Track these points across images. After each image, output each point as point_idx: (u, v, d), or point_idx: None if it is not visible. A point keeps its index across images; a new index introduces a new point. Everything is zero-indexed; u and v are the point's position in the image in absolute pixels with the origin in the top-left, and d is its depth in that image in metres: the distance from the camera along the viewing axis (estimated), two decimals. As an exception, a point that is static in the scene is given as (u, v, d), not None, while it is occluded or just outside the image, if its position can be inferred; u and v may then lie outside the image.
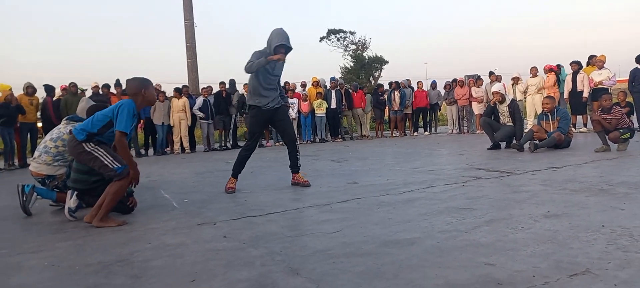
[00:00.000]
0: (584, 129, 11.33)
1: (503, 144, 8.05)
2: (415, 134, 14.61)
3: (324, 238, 2.78)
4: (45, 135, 10.32)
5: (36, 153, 4.25)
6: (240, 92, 12.60)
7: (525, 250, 2.33)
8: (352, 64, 49.05)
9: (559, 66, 12.29)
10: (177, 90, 12.13)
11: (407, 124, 14.74)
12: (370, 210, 3.53)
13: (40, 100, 10.75)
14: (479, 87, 13.67)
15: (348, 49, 47.99)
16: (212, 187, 5.39)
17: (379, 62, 48.76)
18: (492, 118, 8.13)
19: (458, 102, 13.95)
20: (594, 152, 6.57)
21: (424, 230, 2.85)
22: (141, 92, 3.75)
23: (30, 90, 10.23)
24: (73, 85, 11.02)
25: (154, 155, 11.80)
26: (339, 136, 13.77)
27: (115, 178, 3.58)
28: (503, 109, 7.95)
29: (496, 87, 8.12)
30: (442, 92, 14.79)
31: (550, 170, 5.10)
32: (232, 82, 13.17)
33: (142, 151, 12.06)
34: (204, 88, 12.69)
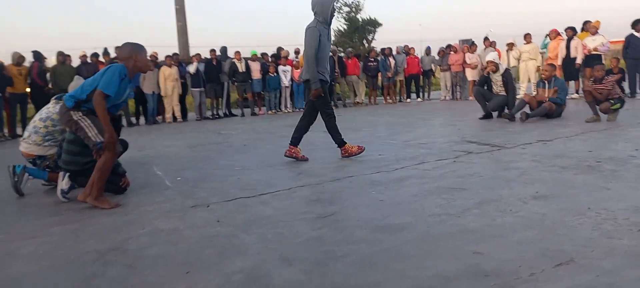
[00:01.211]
0: (575, 96, 11.37)
1: (495, 114, 8.08)
2: (408, 100, 14.61)
3: (317, 223, 2.83)
4: (33, 103, 10.29)
5: (26, 134, 4.22)
6: (231, 59, 12.47)
7: (513, 236, 2.39)
8: (345, 26, 48.42)
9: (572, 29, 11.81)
10: (167, 57, 11.96)
11: (400, 90, 14.70)
12: (361, 191, 3.57)
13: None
14: (472, 53, 13.61)
15: (341, 11, 47.22)
16: (205, 162, 5.40)
17: (373, 24, 48.11)
18: (485, 87, 8.13)
19: (451, 68, 13.90)
20: (585, 122, 6.62)
21: (415, 214, 2.89)
22: (133, 57, 3.69)
23: (19, 59, 10.05)
24: (61, 54, 10.83)
25: (146, 124, 11.74)
26: (332, 103, 13.71)
27: (96, 149, 3.55)
28: (496, 78, 7.94)
29: (490, 56, 8.08)
30: (436, 57, 14.71)
31: (541, 144, 5.15)
32: (224, 50, 13.01)
33: (134, 120, 11.99)
34: (194, 55, 12.52)
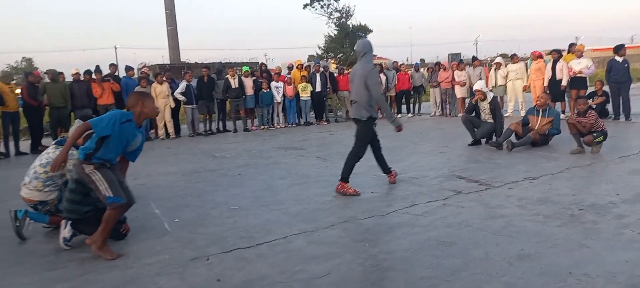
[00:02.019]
0: (562, 116, 11.62)
1: (483, 141, 8.28)
2: (399, 115, 14.78)
3: (311, 286, 2.97)
4: (27, 119, 10.29)
5: (26, 179, 4.30)
6: (226, 77, 12.54)
7: (497, 309, 2.55)
8: (336, 32, 48.65)
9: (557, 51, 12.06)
10: (159, 75, 12.02)
11: (392, 105, 14.87)
12: (355, 244, 3.72)
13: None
14: (461, 71, 13.82)
15: (332, 17, 47.51)
16: (201, 198, 5.51)
17: (363, 30, 48.38)
18: (474, 114, 8.33)
19: (441, 84, 14.11)
20: (570, 153, 6.84)
21: (405, 276, 3.04)
22: (139, 103, 3.85)
23: (7, 78, 10.05)
24: (50, 72, 10.85)
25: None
26: (324, 119, 13.88)
27: (108, 205, 3.67)
28: (484, 106, 8.14)
29: (478, 85, 8.27)
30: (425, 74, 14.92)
31: (527, 182, 5.34)
32: (221, 67, 13.09)
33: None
34: (186, 73, 12.58)
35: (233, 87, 12.46)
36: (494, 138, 7.95)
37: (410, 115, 14.90)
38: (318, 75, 13.52)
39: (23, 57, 72.43)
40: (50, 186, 4.28)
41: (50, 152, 4.41)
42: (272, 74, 13.31)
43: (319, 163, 7.30)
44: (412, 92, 14.99)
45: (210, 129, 12.64)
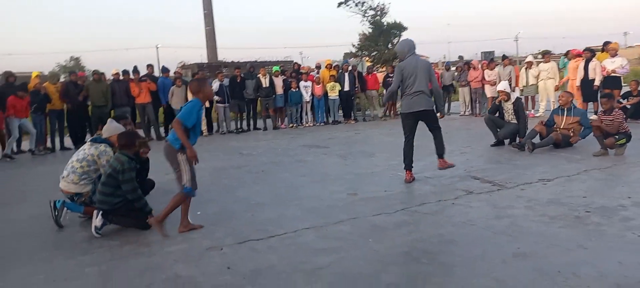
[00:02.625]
0: (594, 117, 11.37)
1: (506, 141, 8.27)
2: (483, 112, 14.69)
3: (313, 276, 3.21)
4: (67, 119, 10.98)
5: (65, 173, 4.73)
6: (258, 76, 12.90)
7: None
8: (370, 30, 48.57)
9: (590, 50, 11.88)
10: (196, 74, 12.52)
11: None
12: (360, 239, 3.93)
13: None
14: (492, 69, 13.69)
15: (366, 15, 47.44)
16: (224, 193, 5.83)
17: (398, 28, 48.05)
18: (497, 115, 8.33)
19: (471, 84, 14.03)
20: (593, 155, 6.78)
21: (402, 271, 3.24)
22: (201, 90, 4.42)
23: (54, 78, 10.75)
24: (96, 72, 11.51)
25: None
26: (352, 118, 14.06)
27: (181, 192, 4.28)
28: (508, 106, 8.14)
29: (502, 86, 8.28)
30: (455, 73, 14.85)
31: (540, 184, 5.39)
32: (251, 69, 13.46)
33: (163, 133, 12.56)
34: (218, 72, 13.03)
35: (264, 86, 12.83)
36: (518, 139, 7.95)
37: (439, 114, 14.84)
38: (346, 74, 13.71)
39: (71, 57, 75.78)
40: (85, 180, 4.69)
41: (86, 148, 4.82)
42: (301, 72, 13.60)
43: (340, 162, 7.52)
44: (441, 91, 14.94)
45: (241, 127, 13.06)
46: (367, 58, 47.66)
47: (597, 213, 4.22)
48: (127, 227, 4.41)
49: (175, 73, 12.80)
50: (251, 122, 13.33)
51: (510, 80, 13.07)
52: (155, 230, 4.27)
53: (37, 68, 11.23)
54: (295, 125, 13.34)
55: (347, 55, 52.42)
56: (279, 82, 13.08)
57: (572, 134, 7.68)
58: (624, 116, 6.86)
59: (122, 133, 4.60)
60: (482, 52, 17.49)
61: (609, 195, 4.78)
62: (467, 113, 14.32)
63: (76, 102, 10.83)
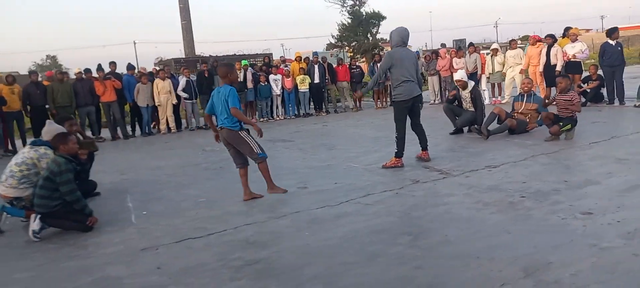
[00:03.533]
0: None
1: (466, 129, 8.39)
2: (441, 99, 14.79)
3: (240, 272, 3.25)
4: (31, 121, 10.81)
5: (3, 177, 4.68)
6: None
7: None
8: (349, 20, 48.45)
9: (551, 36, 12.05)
10: (160, 71, 12.41)
11: (391, 94, 14.98)
12: (297, 233, 3.98)
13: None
14: (459, 58, 13.83)
15: (345, 5, 47.32)
16: (176, 190, 5.83)
17: (377, 18, 48.08)
18: (456, 103, 8.44)
19: (440, 72, 14.15)
20: (544, 141, 6.92)
21: (328, 263, 3.30)
22: (228, 75, 4.93)
23: (9, 79, 10.58)
24: (59, 72, 11.34)
25: (141, 135, 12.20)
26: (323, 110, 14.09)
27: (257, 161, 5.01)
28: (465, 94, 8.24)
29: (458, 74, 8.38)
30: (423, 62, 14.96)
31: (486, 171, 5.49)
32: (215, 64, 13.38)
33: (130, 131, 12.44)
34: (184, 68, 12.94)
35: (238, 80, 12.75)
36: (475, 126, 8.06)
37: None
38: (316, 66, 13.72)
39: (47, 55, 74.47)
40: (25, 183, 4.65)
41: (26, 151, 4.78)
42: (271, 66, 13.57)
43: (299, 156, 7.55)
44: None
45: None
46: (347, 48, 47.36)
47: (530, 198, 4.33)
48: (67, 229, 4.39)
49: (140, 70, 12.66)
50: (221, 118, 13.29)
51: (476, 68, 13.28)
52: (274, 193, 5.14)
53: (12, 68, 10.99)
54: (266, 119, 13.33)
55: (330, 46, 52.09)
56: (248, 76, 13.03)
57: (528, 120, 7.83)
58: (577, 97, 7.00)
59: (57, 134, 4.56)
60: (454, 41, 17.59)
61: (547, 180, 4.89)
62: (436, 101, 14.45)
63: (38, 104, 10.67)
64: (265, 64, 13.89)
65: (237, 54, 34.26)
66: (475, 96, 8.19)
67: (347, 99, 14.58)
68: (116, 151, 9.92)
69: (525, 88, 8.00)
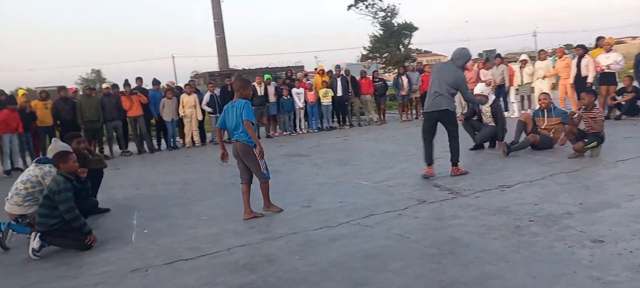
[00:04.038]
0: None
1: (487, 144, 8.08)
2: (460, 113, 14.48)
3: (219, 298, 3.16)
4: (61, 135, 11.16)
5: (9, 195, 4.79)
6: (253, 83, 12.94)
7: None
8: (381, 32, 48.22)
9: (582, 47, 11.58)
10: (186, 86, 12.62)
11: (417, 107, 14.72)
12: (288, 256, 3.85)
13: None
14: (487, 69, 13.44)
15: (377, 16, 47.20)
16: (181, 207, 5.83)
17: (409, 29, 47.68)
18: (475, 118, 8.15)
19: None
20: (568, 158, 6.56)
21: (309, 290, 3.17)
22: (240, 90, 4.99)
23: (43, 94, 11.00)
24: (87, 87, 11.70)
25: (167, 149, 12.40)
26: (347, 123, 13.97)
27: (261, 180, 5.04)
28: (485, 109, 7.95)
29: (479, 88, 8.11)
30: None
31: (497, 191, 5.22)
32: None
33: (156, 144, 12.67)
34: (209, 83, 13.11)
35: (259, 94, 12.83)
36: (497, 143, 7.75)
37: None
38: (339, 79, 13.62)
39: (92, 69, 77.52)
40: (30, 201, 4.73)
41: (31, 169, 4.87)
42: (294, 79, 13.59)
43: (311, 172, 7.44)
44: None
45: (234, 136, 13.08)
46: (380, 60, 46.99)
47: (539, 222, 4.06)
48: (66, 248, 4.43)
49: (166, 85, 12.91)
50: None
51: (503, 80, 12.85)
52: (269, 210, 5.13)
53: (62, 81, 11.47)
54: (289, 132, 13.32)
55: (364, 58, 51.84)
56: (271, 89, 13.08)
57: (552, 135, 7.46)
58: (602, 114, 6.61)
59: (57, 153, 4.63)
60: (483, 51, 17.11)
61: (562, 202, 4.59)
62: (463, 113, 14.07)
63: (67, 119, 11.01)
64: (288, 77, 13.88)
65: (269, 66, 34.60)
66: (496, 110, 7.89)
67: (371, 112, 14.40)
68: (138, 165, 10.10)
69: (543, 103, 7.65)
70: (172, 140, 12.42)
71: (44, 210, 4.33)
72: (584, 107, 6.83)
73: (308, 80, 13.85)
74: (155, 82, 12.76)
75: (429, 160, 6.25)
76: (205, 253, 4.07)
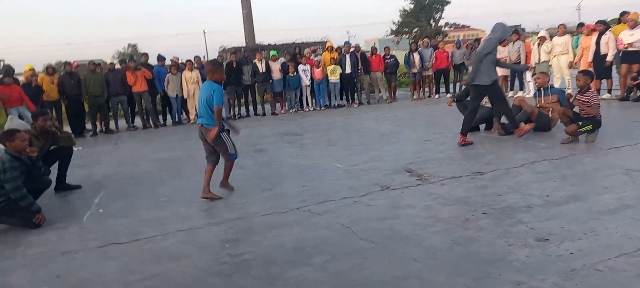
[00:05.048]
0: (607, 96, 10.32)
1: (482, 127, 7.66)
2: (437, 96, 14.05)
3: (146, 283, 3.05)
4: (66, 110, 11.36)
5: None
6: (254, 61, 12.77)
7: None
8: (411, 6, 46.94)
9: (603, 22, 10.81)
10: (188, 62, 12.54)
11: (430, 85, 14.22)
12: (219, 244, 3.72)
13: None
14: (504, 46, 12.76)
15: (407, -10, 46.00)
16: (149, 186, 5.77)
17: (440, 2, 46.26)
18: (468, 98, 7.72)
19: (482, 62, 13.15)
20: (560, 143, 6.11)
21: (224, 284, 3.01)
22: (210, 74, 4.89)
23: (50, 69, 11.16)
24: (92, 63, 11.80)
25: (172, 124, 12.43)
26: (355, 101, 13.65)
27: (227, 160, 5.01)
28: (481, 89, 7.49)
29: (476, 66, 7.62)
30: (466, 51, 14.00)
31: (468, 178, 4.90)
32: (247, 55, 13.35)
33: (161, 120, 12.72)
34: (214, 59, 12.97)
35: (260, 71, 12.66)
36: (493, 124, 7.33)
37: (449, 95, 14.09)
38: (348, 56, 13.25)
39: (129, 44, 79.08)
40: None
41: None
42: (301, 55, 13.33)
43: (294, 152, 7.24)
44: (452, 71, 14.15)
45: (239, 113, 13.00)
46: (408, 35, 45.72)
47: (492, 216, 3.76)
48: (14, 226, 4.43)
49: (171, 61, 12.85)
50: (250, 108, 13.24)
51: (519, 57, 12.17)
52: (223, 187, 5.13)
53: (98, 55, 11.68)
54: (295, 110, 13.13)
55: (394, 33, 50.19)
56: (276, 66, 12.86)
57: (550, 115, 6.98)
58: (597, 98, 6.08)
59: (3, 132, 4.59)
60: (513, 26, 16.29)
61: (528, 193, 4.25)
62: (477, 93, 13.49)
63: (71, 94, 11.17)
64: (295, 54, 13.61)
65: (295, 42, 34.27)
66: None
67: (380, 90, 14.00)
68: (135, 141, 10.15)
69: (539, 82, 7.16)
70: (176, 115, 12.45)
71: (-11, 189, 4.33)
72: (578, 89, 6.32)
73: (317, 56, 13.51)
74: (160, 58, 12.72)
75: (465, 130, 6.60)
76: (141, 238, 3.97)
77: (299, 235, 3.72)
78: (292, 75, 12.82)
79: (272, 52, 13.41)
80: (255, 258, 3.36)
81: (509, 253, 3.06)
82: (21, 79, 11.50)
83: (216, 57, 16.55)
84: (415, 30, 45.35)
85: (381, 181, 5.09)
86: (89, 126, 11.96)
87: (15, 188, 4.32)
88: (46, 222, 4.51)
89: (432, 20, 45.61)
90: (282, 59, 13.22)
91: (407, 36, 44.65)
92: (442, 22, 46.03)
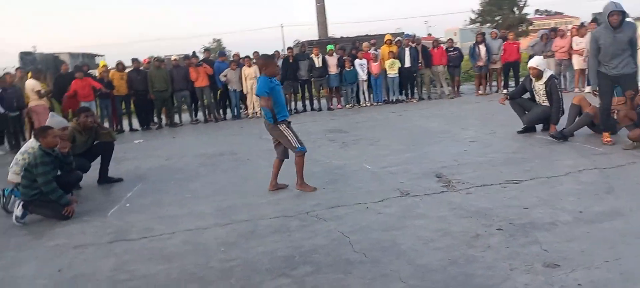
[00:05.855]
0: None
1: (539, 127, 7.00)
2: (505, 91, 13.13)
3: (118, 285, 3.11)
4: (134, 104, 12.07)
5: (11, 164, 5.21)
6: (311, 56, 12.74)
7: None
8: (492, -6, 44.41)
9: None
10: (247, 58, 12.78)
11: (497, 79, 13.35)
12: (217, 247, 3.69)
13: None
14: (581, 37, 11.66)
15: (487, -23, 43.84)
16: (181, 183, 5.90)
17: (523, -12, 43.26)
18: (528, 96, 7.08)
19: (555, 54, 12.12)
20: (622, 149, 5.42)
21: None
22: (262, 69, 4.94)
23: (120, 66, 11.90)
24: (157, 59, 12.41)
25: (232, 118, 12.76)
26: (415, 96, 13.16)
27: (296, 153, 4.86)
28: (539, 86, 6.83)
29: (533, 61, 6.95)
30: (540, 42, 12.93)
31: (500, 187, 4.47)
32: (304, 49, 13.34)
33: (221, 114, 13.09)
34: (275, 52, 13.11)
35: (317, 66, 12.60)
36: (550, 126, 6.67)
37: (505, 92, 13.11)
38: (407, 50, 12.79)
39: (213, 39, 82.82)
40: (26, 171, 5.10)
41: (29, 142, 5.24)
42: (358, 49, 13.09)
43: (330, 152, 7.05)
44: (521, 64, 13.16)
45: (296, 109, 13.04)
46: (490, 24, 43.48)
47: (506, 232, 3.38)
48: (47, 217, 4.71)
49: (233, 57, 13.17)
50: (307, 103, 13.24)
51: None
52: (301, 190, 4.92)
53: (184, 50, 12.50)
54: (351, 105, 12.93)
55: (473, 22, 47.94)
56: (332, 61, 12.72)
57: (614, 115, 6.20)
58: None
59: (37, 128, 4.89)
60: (592, 14, 14.86)
61: (560, 207, 3.79)
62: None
63: (139, 89, 11.83)
64: (353, 48, 13.37)
65: (368, 34, 33.93)
66: (552, 89, 6.73)
67: (442, 85, 13.37)
68: (192, 134, 10.53)
69: None
70: (235, 109, 12.75)
71: (25, 182, 4.64)
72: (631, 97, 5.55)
73: (375, 50, 13.17)
74: (221, 54, 13.11)
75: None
76: (149, 235, 4.06)
77: (295, 243, 3.59)
78: (348, 69, 12.62)
79: (329, 47, 13.28)
80: (242, 265, 3.29)
81: (507, 279, 2.72)
82: (96, 74, 12.40)
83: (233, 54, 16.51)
84: (497, 18, 42.95)
85: (404, 186, 4.80)
86: (156, 120, 12.61)
87: (46, 182, 4.59)
88: (75, 214, 4.76)
89: (515, 8, 42.93)
90: (337, 54, 13.03)
91: (489, 25, 42.36)
92: (528, 10, 43.09)
